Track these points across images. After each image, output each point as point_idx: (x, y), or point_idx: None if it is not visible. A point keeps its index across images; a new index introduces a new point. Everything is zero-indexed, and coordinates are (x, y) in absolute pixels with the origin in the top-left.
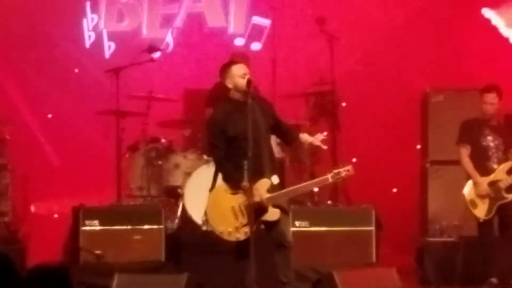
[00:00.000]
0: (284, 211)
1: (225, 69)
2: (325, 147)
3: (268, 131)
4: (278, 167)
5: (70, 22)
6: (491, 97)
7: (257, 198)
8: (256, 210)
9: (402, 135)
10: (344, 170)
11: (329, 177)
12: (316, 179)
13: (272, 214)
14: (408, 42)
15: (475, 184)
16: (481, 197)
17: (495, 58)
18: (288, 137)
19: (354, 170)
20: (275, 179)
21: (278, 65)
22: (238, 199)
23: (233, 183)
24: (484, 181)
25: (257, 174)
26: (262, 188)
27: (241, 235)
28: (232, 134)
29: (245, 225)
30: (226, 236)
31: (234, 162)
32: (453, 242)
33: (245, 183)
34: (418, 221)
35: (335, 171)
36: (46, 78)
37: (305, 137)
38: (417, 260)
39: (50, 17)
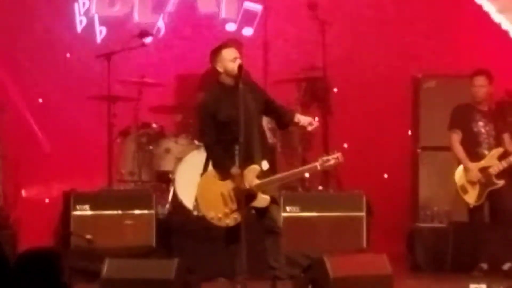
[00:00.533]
0: (273, 200)
1: (215, 53)
2: (309, 129)
3: (259, 116)
4: (269, 153)
5: (61, 6)
6: (480, 80)
7: (246, 185)
8: (245, 197)
9: (393, 121)
10: (333, 158)
11: (317, 165)
12: (305, 167)
13: (261, 200)
14: (400, 27)
15: (466, 170)
16: (472, 183)
17: (487, 44)
18: (283, 119)
19: (343, 157)
20: (265, 165)
21: (269, 50)
22: (228, 185)
23: (222, 169)
24: (475, 167)
25: (247, 159)
26: (252, 174)
27: (230, 221)
28: (222, 118)
29: (234, 211)
30: (216, 222)
31: (224, 147)
32: (444, 228)
33: (234, 169)
34: (409, 207)
35: (324, 158)
36: (37, 62)
37: (298, 117)
38: (408, 246)
39: (41, 2)
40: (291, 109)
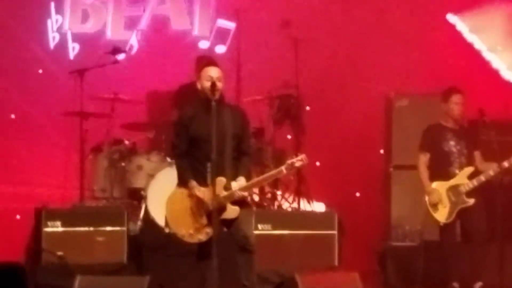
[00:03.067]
0: (246, 205)
1: (197, 69)
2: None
3: (234, 139)
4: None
5: (34, 22)
6: (458, 97)
7: (200, 194)
8: (213, 211)
9: (365, 139)
10: (298, 160)
11: (283, 168)
12: (271, 172)
13: (231, 211)
14: (372, 46)
15: (427, 193)
16: (433, 205)
17: (460, 63)
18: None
19: (307, 159)
20: (239, 183)
21: (242, 68)
22: (196, 200)
23: (182, 181)
24: (442, 186)
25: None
26: (219, 186)
27: (202, 236)
28: (194, 134)
29: (205, 225)
30: (188, 239)
31: (194, 163)
32: (415, 247)
33: (192, 183)
34: (381, 225)
35: (289, 162)
36: (10, 78)
37: (238, 184)
38: (380, 264)
39: (15, 18)
40: (260, 129)
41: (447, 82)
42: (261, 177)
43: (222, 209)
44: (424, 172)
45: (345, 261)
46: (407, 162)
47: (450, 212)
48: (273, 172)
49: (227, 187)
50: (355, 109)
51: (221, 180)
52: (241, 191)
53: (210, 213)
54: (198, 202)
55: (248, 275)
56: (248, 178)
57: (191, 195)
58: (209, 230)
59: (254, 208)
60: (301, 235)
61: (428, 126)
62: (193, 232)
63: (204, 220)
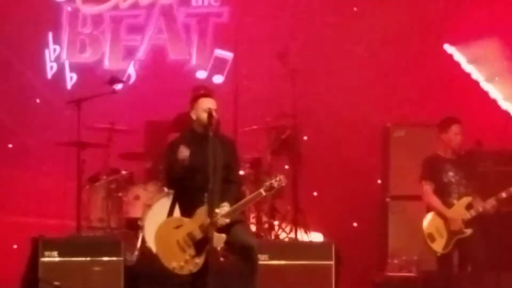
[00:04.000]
0: (240, 222)
1: (193, 100)
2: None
3: (224, 168)
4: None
5: (32, 52)
6: (458, 128)
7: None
8: (202, 240)
9: (363, 169)
10: (276, 181)
11: (262, 191)
12: (250, 196)
13: (218, 239)
14: (369, 76)
15: (448, 219)
16: (452, 232)
17: (457, 93)
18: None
19: (285, 179)
20: (224, 209)
21: (239, 98)
22: (182, 232)
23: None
24: (455, 214)
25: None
26: (203, 215)
27: (193, 267)
28: (187, 164)
29: (194, 256)
30: (178, 271)
31: (186, 192)
32: (413, 277)
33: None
34: (377, 256)
35: (267, 183)
36: (7, 107)
37: (221, 212)
38: None
39: (12, 47)
40: (257, 159)
41: (444, 112)
42: (242, 202)
43: (209, 238)
44: (437, 200)
45: None
46: (404, 193)
47: (447, 243)
48: (253, 195)
49: (212, 215)
50: (352, 139)
51: (203, 210)
52: (224, 217)
53: (198, 243)
54: (188, 234)
55: (252, 285)
56: (233, 204)
57: (178, 227)
58: (198, 260)
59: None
60: (298, 265)
61: (426, 157)
62: (183, 264)
63: (192, 251)
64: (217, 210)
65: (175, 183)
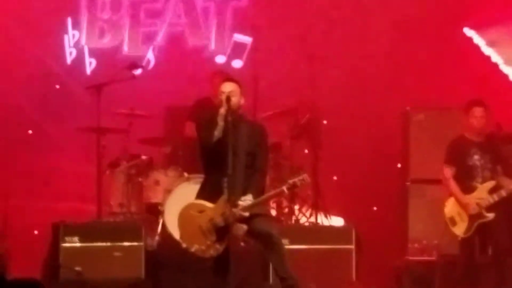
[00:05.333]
0: (260, 215)
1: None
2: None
3: (248, 155)
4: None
5: (51, 38)
6: (480, 111)
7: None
8: (223, 227)
9: (382, 153)
10: (299, 180)
11: (284, 188)
12: (272, 192)
13: (238, 229)
14: (389, 60)
15: (463, 204)
16: (461, 215)
17: (477, 77)
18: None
19: (309, 178)
20: (246, 201)
21: (259, 82)
22: (205, 218)
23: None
24: (473, 199)
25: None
26: (225, 204)
27: (213, 252)
28: (209, 149)
29: (215, 242)
30: (200, 254)
31: (209, 177)
32: (433, 261)
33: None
34: (398, 240)
35: (290, 181)
36: (27, 94)
37: (243, 204)
38: (397, 279)
39: (31, 33)
40: (277, 144)
41: (464, 96)
42: (263, 197)
43: (231, 226)
44: (454, 185)
45: (363, 276)
46: (424, 176)
47: (468, 227)
48: (275, 192)
49: (234, 204)
50: (372, 123)
51: (225, 199)
52: (244, 211)
53: (219, 230)
54: (210, 220)
55: (283, 269)
56: (257, 195)
57: (201, 212)
58: (219, 246)
59: None
60: (318, 249)
61: (451, 140)
62: (204, 248)
63: (213, 237)
64: (240, 202)
65: (210, 153)
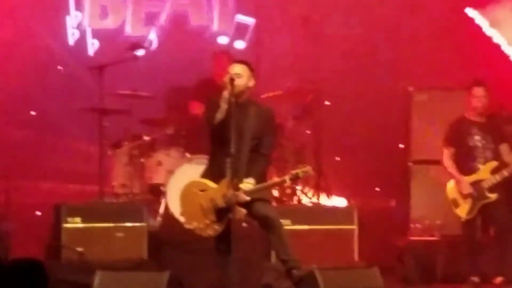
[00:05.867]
0: (261, 200)
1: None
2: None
3: (253, 139)
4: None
5: (53, 19)
6: (481, 91)
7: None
8: (223, 208)
9: (385, 134)
10: (302, 171)
11: (286, 178)
12: (274, 181)
13: (238, 213)
14: (391, 40)
15: (457, 182)
16: (464, 196)
17: (479, 57)
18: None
19: (313, 171)
20: (247, 185)
21: (261, 63)
22: (206, 197)
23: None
24: (467, 180)
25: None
26: (226, 186)
27: (212, 232)
28: (214, 130)
29: (214, 222)
30: (198, 232)
31: (213, 158)
32: (435, 241)
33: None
34: (400, 220)
35: (293, 172)
36: (30, 75)
37: (243, 195)
38: (399, 259)
39: (34, 14)
40: (279, 125)
41: (466, 76)
42: (264, 184)
43: (231, 208)
44: (451, 166)
45: (365, 256)
46: (426, 157)
47: (471, 208)
48: (276, 180)
49: (236, 187)
50: (374, 103)
51: (227, 181)
52: (246, 195)
53: (219, 211)
54: (211, 200)
55: (284, 250)
56: (259, 180)
57: (203, 191)
58: (217, 227)
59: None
60: (320, 230)
61: (453, 120)
62: (203, 226)
63: (213, 217)
64: (241, 185)
65: (215, 134)
